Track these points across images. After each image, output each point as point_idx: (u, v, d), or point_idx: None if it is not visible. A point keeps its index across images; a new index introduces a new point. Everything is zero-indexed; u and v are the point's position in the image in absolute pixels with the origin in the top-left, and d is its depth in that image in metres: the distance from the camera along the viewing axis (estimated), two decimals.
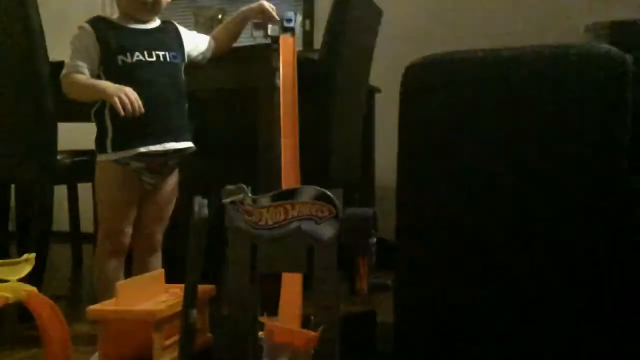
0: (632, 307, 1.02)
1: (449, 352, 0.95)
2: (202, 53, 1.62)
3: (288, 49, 1.49)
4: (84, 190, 2.35)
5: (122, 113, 1.39)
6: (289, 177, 1.09)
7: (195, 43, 1.61)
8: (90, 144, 1.56)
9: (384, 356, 0.99)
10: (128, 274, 1.50)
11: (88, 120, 1.54)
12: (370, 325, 1.28)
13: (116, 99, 1.39)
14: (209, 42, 1.64)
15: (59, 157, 1.85)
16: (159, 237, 1.56)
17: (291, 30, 1.57)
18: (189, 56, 1.58)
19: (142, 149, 1.44)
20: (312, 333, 0.78)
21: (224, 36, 1.67)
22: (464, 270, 1.11)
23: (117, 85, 1.42)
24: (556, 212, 1.04)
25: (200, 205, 0.47)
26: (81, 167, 1.89)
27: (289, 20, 1.56)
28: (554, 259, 1.05)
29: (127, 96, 1.40)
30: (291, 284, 0.96)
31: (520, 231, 1.07)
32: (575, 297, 1.04)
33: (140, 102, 1.41)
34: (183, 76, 1.54)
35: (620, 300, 1.02)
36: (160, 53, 1.48)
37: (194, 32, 1.66)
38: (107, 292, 1.30)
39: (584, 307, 1.03)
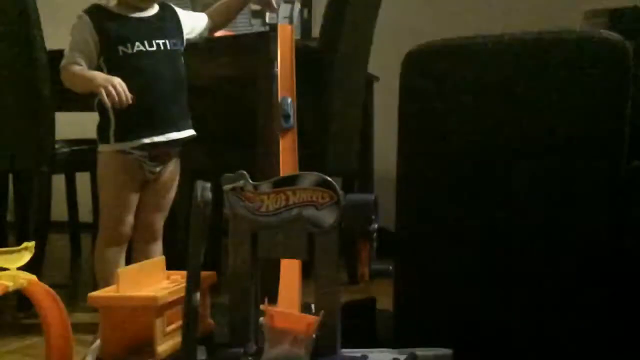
0: (631, 296, 1.03)
1: (448, 340, 0.96)
2: (200, 34, 1.61)
3: (286, 37, 1.48)
4: (82, 180, 2.35)
5: (109, 104, 1.39)
6: (288, 166, 1.09)
7: (193, 25, 1.60)
8: (88, 134, 1.56)
9: (383, 343, 0.99)
10: (128, 263, 1.50)
11: (86, 109, 1.54)
12: (370, 313, 1.28)
13: (102, 90, 1.38)
14: (206, 23, 1.62)
15: (57, 146, 1.85)
16: (160, 226, 1.56)
17: (289, 18, 1.57)
18: (187, 40, 1.57)
19: (146, 140, 1.44)
20: (313, 318, 0.79)
21: (221, 17, 1.66)
22: (465, 259, 1.11)
23: (105, 77, 1.41)
24: (555, 195, 1.04)
25: (203, 189, 0.46)
26: (80, 156, 1.89)
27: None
28: (554, 243, 1.05)
29: (115, 87, 1.39)
30: (290, 271, 0.96)
31: (520, 216, 1.07)
32: (576, 285, 1.04)
33: (128, 93, 1.40)
34: (183, 63, 1.54)
35: (619, 286, 1.02)
36: (161, 42, 1.48)
37: (191, 12, 1.64)
38: (108, 280, 1.30)
39: (586, 296, 1.04)
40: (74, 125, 2.03)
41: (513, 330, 1.08)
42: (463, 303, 1.10)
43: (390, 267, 1.10)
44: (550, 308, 1.06)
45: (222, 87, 1.94)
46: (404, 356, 0.84)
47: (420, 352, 0.87)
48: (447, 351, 0.90)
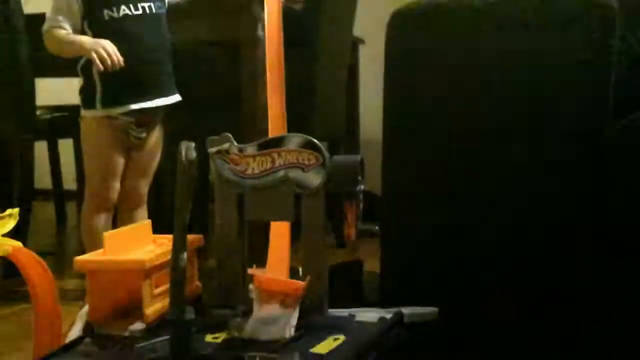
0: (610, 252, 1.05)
1: (434, 299, 0.97)
2: None
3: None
4: (65, 147, 2.32)
5: (102, 68, 1.37)
6: (277, 130, 1.08)
7: None
8: (68, 99, 1.53)
9: (370, 303, 1.00)
10: (114, 229, 1.50)
11: (66, 75, 1.52)
12: (357, 274, 1.30)
13: (94, 54, 1.36)
14: None
15: (37, 113, 1.82)
16: (144, 191, 1.56)
17: None
18: (168, 2, 1.55)
19: (134, 106, 1.43)
20: (301, 282, 0.79)
21: None
22: (450, 219, 1.12)
23: (94, 40, 1.39)
24: (541, 155, 1.05)
25: (187, 149, 0.46)
26: (61, 123, 1.86)
27: None
28: (540, 203, 1.06)
29: (106, 50, 1.37)
30: (279, 235, 0.97)
31: (506, 176, 1.08)
32: (561, 245, 1.06)
33: (119, 56, 1.38)
34: (166, 26, 1.51)
35: (603, 246, 1.04)
36: (146, 5, 1.45)
37: None
38: (95, 247, 1.29)
39: (571, 257, 1.05)
40: (53, 92, 2.00)
41: (498, 288, 1.10)
42: (448, 263, 1.12)
43: (377, 228, 1.11)
44: (536, 267, 1.08)
45: (205, 50, 1.91)
46: (391, 314, 0.86)
47: (406, 310, 0.88)
48: (432, 309, 0.91)
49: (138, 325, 0.80)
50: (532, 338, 1.07)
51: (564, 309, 1.07)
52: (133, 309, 0.83)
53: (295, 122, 1.22)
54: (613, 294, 1.04)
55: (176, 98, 1.50)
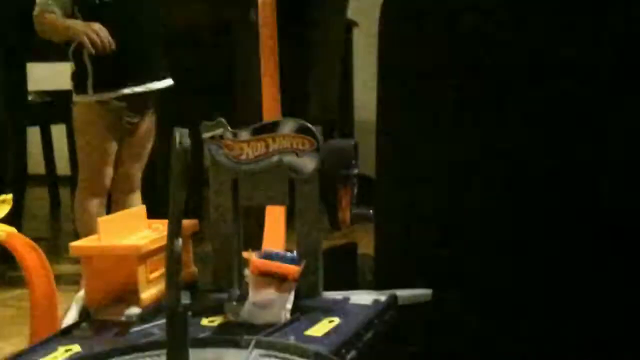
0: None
1: (429, 281, 0.98)
2: None
3: None
4: (58, 132, 2.31)
5: (93, 51, 1.36)
6: (271, 113, 1.08)
7: None
8: (60, 85, 1.53)
9: (365, 286, 1.01)
10: (108, 215, 1.50)
11: (58, 60, 1.51)
12: (352, 257, 1.31)
13: (85, 38, 1.36)
14: None
15: (30, 98, 1.81)
16: (138, 176, 1.56)
17: None
18: None
19: (127, 91, 1.43)
20: (296, 267, 0.80)
21: None
22: (444, 202, 1.13)
23: (85, 23, 1.38)
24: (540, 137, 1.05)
25: (181, 135, 0.46)
26: (54, 107, 1.85)
27: None
28: (539, 180, 1.06)
29: (97, 33, 1.36)
30: (274, 219, 0.97)
31: (503, 160, 1.08)
32: (561, 219, 1.06)
33: (110, 39, 1.37)
34: (158, 11, 1.50)
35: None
36: None
37: None
38: (90, 232, 1.30)
39: (571, 230, 1.05)
40: (46, 78, 1.99)
41: (493, 270, 1.11)
42: (442, 245, 1.13)
43: (371, 211, 1.12)
44: (533, 248, 1.08)
45: (198, 33, 1.90)
46: (385, 297, 0.87)
47: (400, 292, 0.89)
48: (426, 291, 0.92)
49: (134, 310, 0.80)
50: (524, 320, 1.08)
51: (556, 290, 1.08)
52: (129, 294, 0.83)
53: (289, 105, 1.22)
54: (607, 279, 1.05)
55: (168, 82, 1.49)
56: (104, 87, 1.42)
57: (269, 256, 0.79)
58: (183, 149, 0.47)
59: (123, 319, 0.80)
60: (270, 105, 1.04)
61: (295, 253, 0.84)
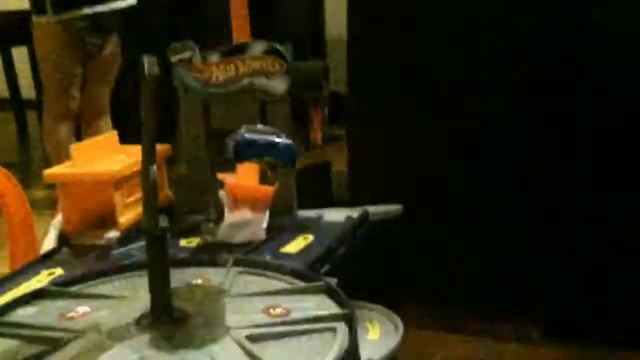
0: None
1: (399, 197, 1.01)
2: None
3: None
4: (20, 55, 2.23)
5: None
6: (241, 32, 1.06)
7: None
8: (20, 5, 1.46)
9: (338, 203, 1.04)
10: (78, 140, 1.49)
11: None
12: (325, 175, 1.33)
13: None
14: None
15: None
16: (106, 100, 1.53)
17: None
18: None
19: (88, 10, 1.37)
20: (270, 187, 0.81)
21: None
22: (415, 120, 1.14)
23: None
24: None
25: (150, 64, 0.46)
26: (14, 29, 1.78)
27: None
28: (505, 97, 1.08)
29: None
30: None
31: (472, 80, 1.09)
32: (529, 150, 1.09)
33: None
34: None
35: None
36: None
37: None
38: (60, 156, 1.29)
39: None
40: None
41: (459, 186, 1.15)
42: (413, 162, 1.15)
43: (342, 133, 1.13)
44: (494, 160, 1.12)
45: None
46: (357, 213, 0.89)
47: (372, 209, 0.92)
48: (397, 207, 0.95)
49: (113, 233, 0.82)
50: (498, 238, 1.13)
51: (526, 212, 1.11)
52: (106, 219, 0.84)
53: (260, 21, 1.19)
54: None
55: (131, 1, 1.44)
56: (64, 6, 1.36)
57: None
58: (152, 77, 0.47)
59: (103, 242, 0.81)
60: (239, 21, 1.02)
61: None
